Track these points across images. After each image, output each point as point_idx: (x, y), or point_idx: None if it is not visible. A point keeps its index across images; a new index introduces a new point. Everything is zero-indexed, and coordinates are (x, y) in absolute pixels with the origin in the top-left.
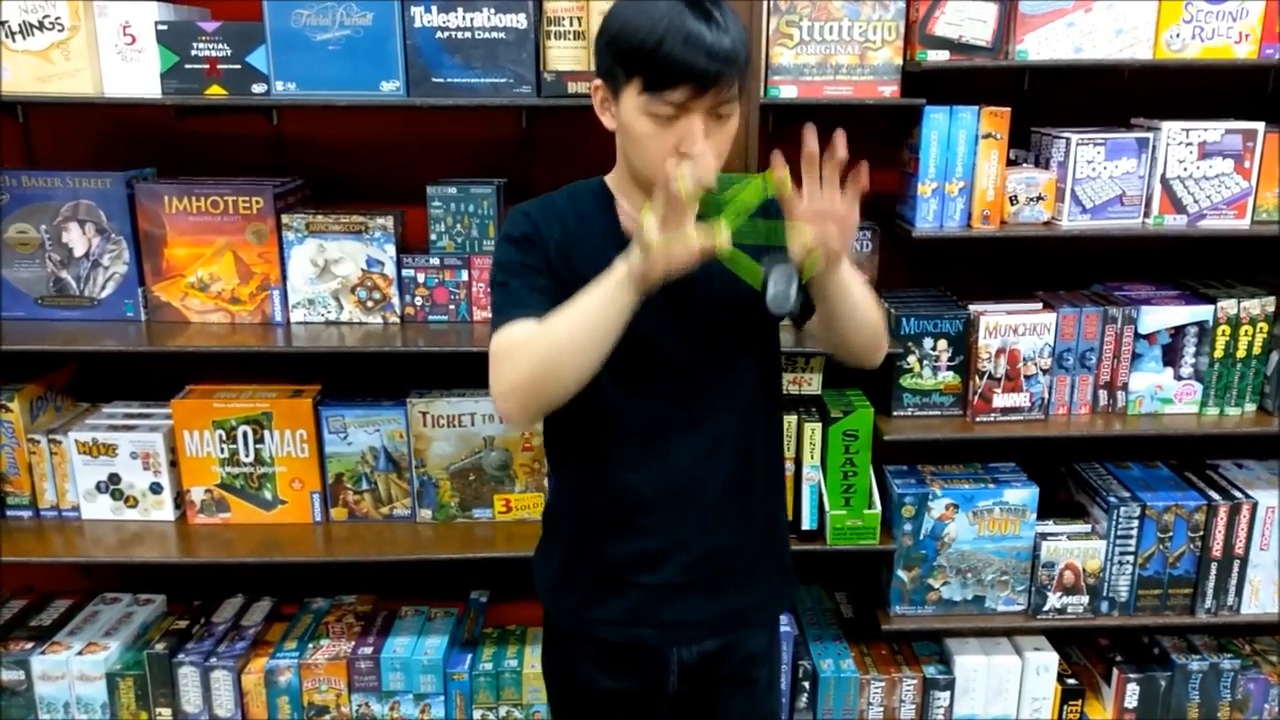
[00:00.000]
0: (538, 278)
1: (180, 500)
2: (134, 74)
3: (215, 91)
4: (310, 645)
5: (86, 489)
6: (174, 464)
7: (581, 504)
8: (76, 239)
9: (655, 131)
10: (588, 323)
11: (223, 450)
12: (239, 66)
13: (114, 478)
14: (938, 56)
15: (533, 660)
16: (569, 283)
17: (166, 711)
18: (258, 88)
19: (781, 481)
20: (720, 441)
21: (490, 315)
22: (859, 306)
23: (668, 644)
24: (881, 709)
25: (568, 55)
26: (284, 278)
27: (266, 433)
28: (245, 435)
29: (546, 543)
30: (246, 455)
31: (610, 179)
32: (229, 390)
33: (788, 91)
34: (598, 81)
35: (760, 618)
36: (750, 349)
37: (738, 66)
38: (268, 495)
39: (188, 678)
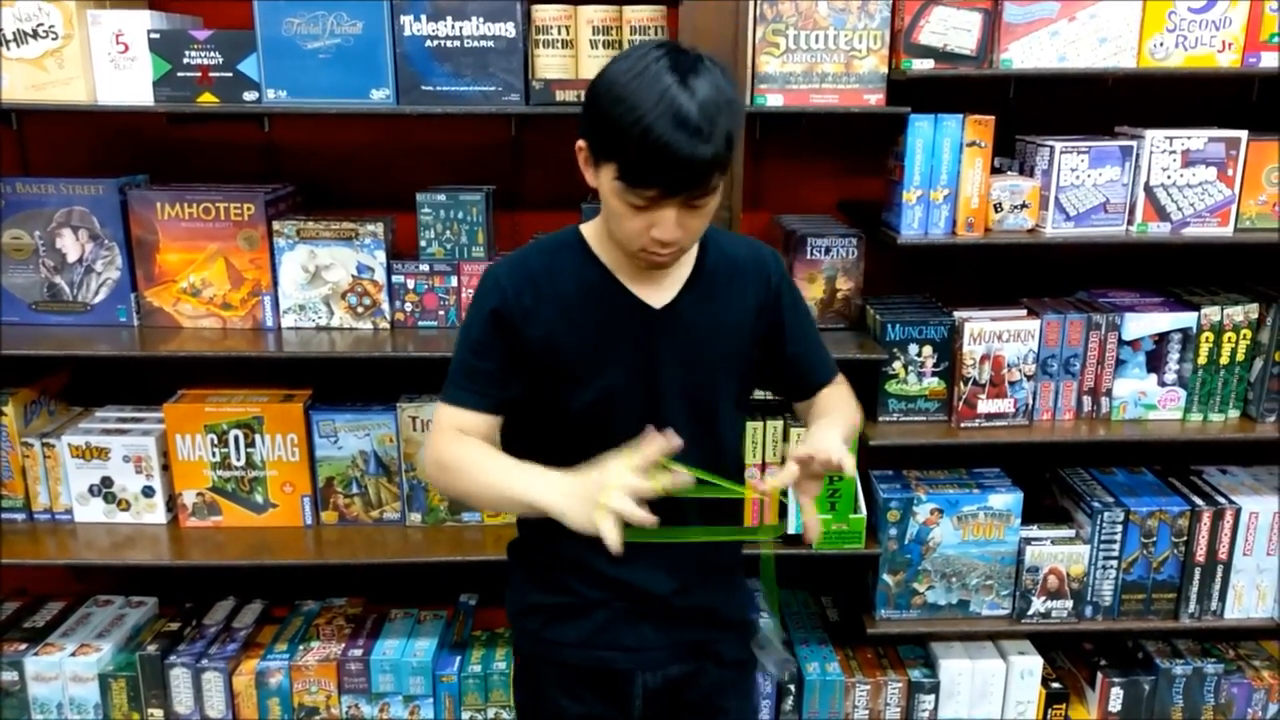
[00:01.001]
0: (487, 360)
1: (172, 503)
2: (127, 82)
3: (207, 99)
4: (301, 647)
5: (79, 492)
6: (166, 468)
7: (544, 537)
8: (70, 245)
9: (629, 213)
10: (489, 495)
11: (214, 454)
12: (230, 74)
13: (106, 481)
14: (923, 65)
15: None
16: (548, 341)
17: (159, 712)
18: (249, 95)
19: (740, 505)
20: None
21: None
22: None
23: (632, 667)
24: (866, 712)
25: (556, 64)
26: (275, 283)
27: (258, 437)
28: (237, 439)
29: (511, 571)
30: (238, 459)
31: (588, 229)
32: (220, 395)
33: (774, 100)
34: (582, 142)
35: (729, 643)
36: (727, 402)
37: (717, 171)
38: (259, 499)
39: (179, 679)
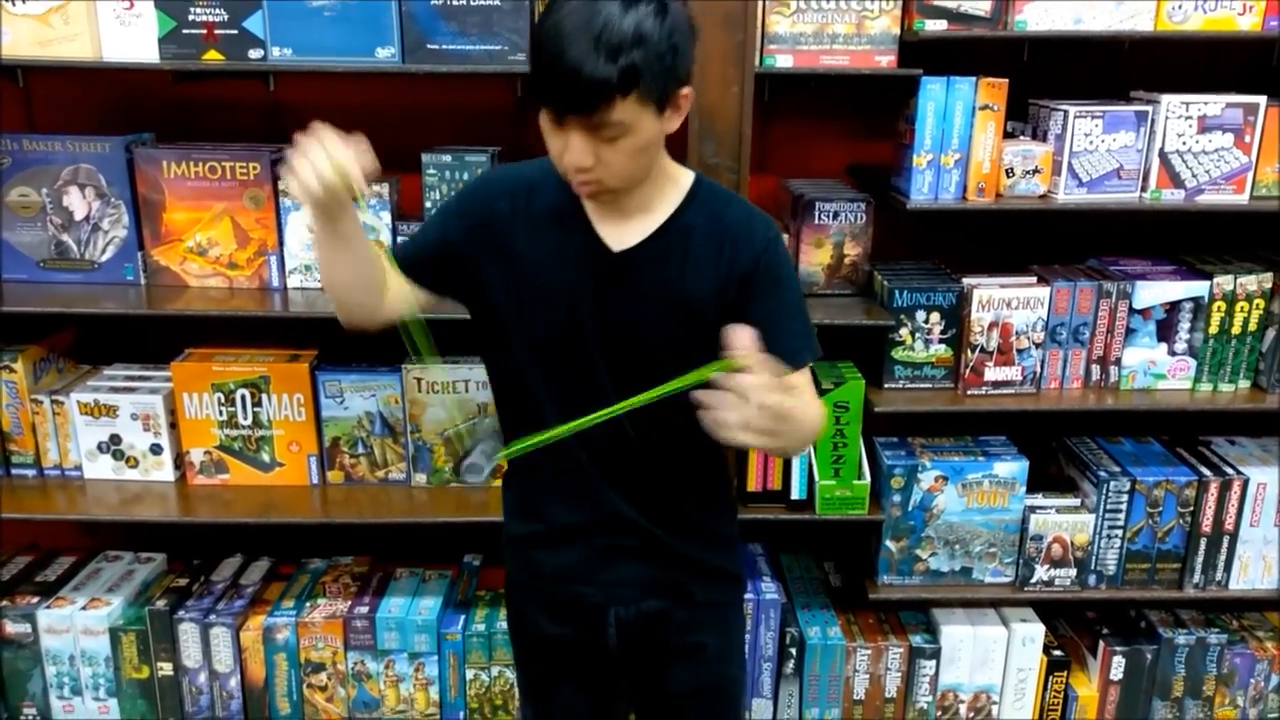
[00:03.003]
0: (435, 237)
1: (180, 461)
2: (132, 38)
3: (212, 56)
4: (307, 604)
5: (88, 449)
6: (173, 426)
7: (525, 469)
8: (77, 203)
9: (549, 131)
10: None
11: (221, 413)
12: (236, 31)
13: (115, 438)
14: (936, 26)
15: None
16: (508, 251)
17: (168, 665)
18: (254, 53)
19: (722, 452)
20: (657, 425)
21: None
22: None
23: (606, 602)
24: (867, 676)
25: None
26: (281, 243)
27: (264, 396)
28: (243, 398)
29: (505, 496)
30: (245, 418)
31: None
32: (227, 354)
33: (783, 61)
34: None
35: (701, 585)
36: (684, 354)
37: (615, 97)
38: (265, 458)
39: (188, 633)
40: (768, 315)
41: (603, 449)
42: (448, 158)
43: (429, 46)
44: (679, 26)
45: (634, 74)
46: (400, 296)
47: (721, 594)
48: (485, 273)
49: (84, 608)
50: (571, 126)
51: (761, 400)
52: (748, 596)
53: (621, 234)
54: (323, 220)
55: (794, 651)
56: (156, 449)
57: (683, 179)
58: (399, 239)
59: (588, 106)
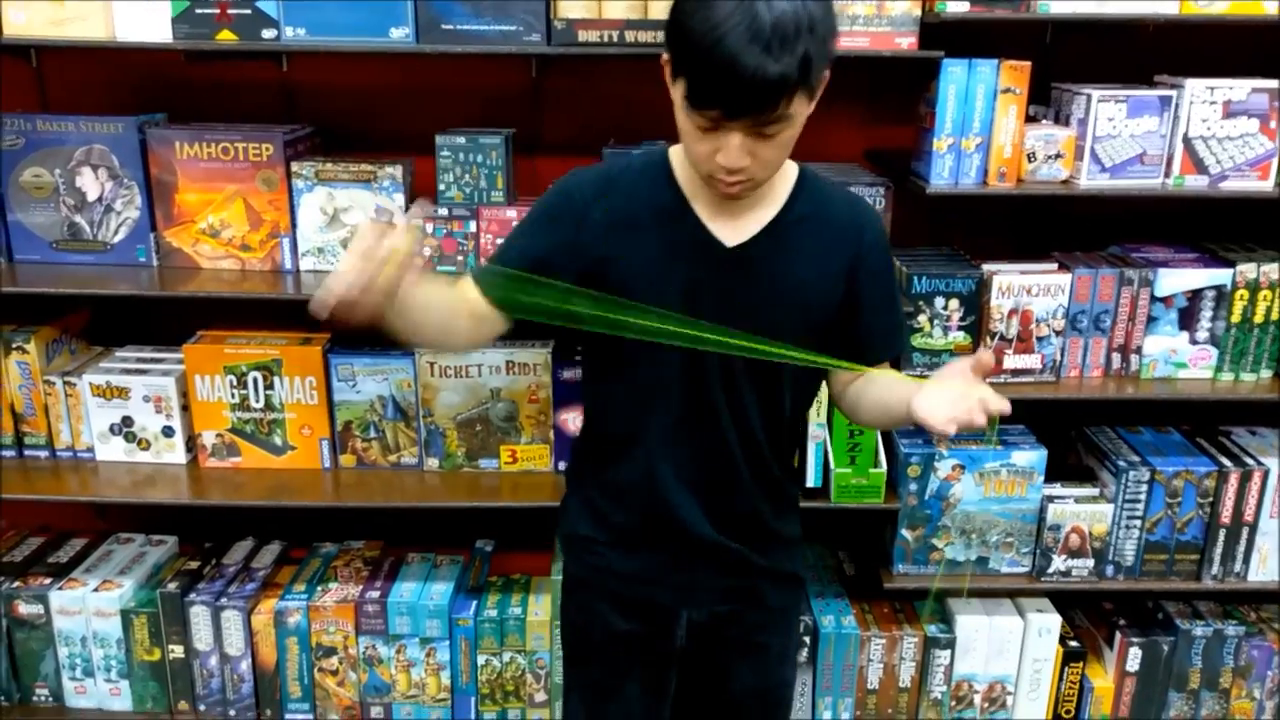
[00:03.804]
0: (523, 259)
1: (192, 444)
2: (145, 18)
3: (226, 36)
4: (319, 588)
5: (100, 431)
6: (185, 408)
7: (595, 464)
8: (89, 183)
9: (695, 133)
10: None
11: (233, 395)
12: (249, 11)
13: (127, 420)
14: (957, 7)
15: (536, 608)
16: (606, 259)
17: (179, 648)
18: (268, 33)
19: (794, 443)
20: (752, 429)
21: None
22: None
23: (677, 604)
24: (881, 665)
25: (579, 3)
26: (294, 225)
27: (276, 379)
28: (256, 381)
29: (566, 496)
30: (257, 401)
31: (676, 150)
32: (239, 336)
33: None
34: (665, 54)
35: (773, 590)
36: (807, 342)
37: (786, 94)
38: (278, 441)
39: (199, 616)
40: (876, 306)
41: (688, 463)
42: (462, 139)
43: (443, 26)
44: (832, 5)
45: (808, 65)
46: (490, 323)
47: (790, 598)
48: (590, 281)
49: (96, 590)
50: (735, 129)
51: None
52: None
53: (734, 229)
54: (390, 311)
55: (808, 640)
56: (168, 431)
57: (789, 168)
58: (479, 260)
59: (762, 106)
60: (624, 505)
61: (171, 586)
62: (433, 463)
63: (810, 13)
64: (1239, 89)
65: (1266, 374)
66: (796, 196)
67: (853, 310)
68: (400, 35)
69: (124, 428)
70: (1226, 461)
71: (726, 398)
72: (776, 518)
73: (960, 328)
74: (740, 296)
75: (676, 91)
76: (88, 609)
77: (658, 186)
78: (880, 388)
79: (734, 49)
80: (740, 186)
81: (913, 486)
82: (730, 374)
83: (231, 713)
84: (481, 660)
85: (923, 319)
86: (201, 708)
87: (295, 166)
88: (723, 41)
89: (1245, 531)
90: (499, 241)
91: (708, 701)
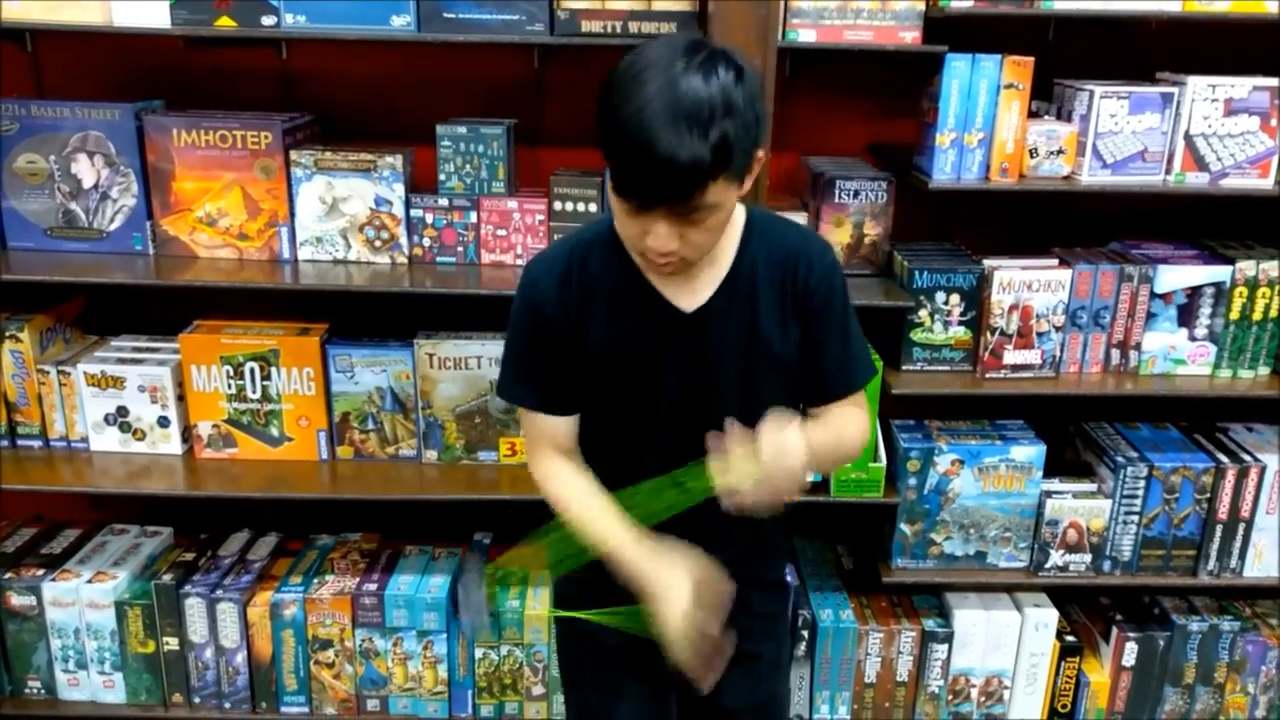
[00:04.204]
0: (533, 349)
1: (187, 434)
2: (143, 3)
3: (225, 23)
4: (315, 581)
5: (95, 420)
6: (181, 398)
7: None
8: (85, 170)
9: (625, 218)
10: (581, 529)
11: (230, 386)
12: None
13: (122, 410)
14: (961, 3)
15: (534, 601)
16: (579, 330)
17: (174, 640)
18: (267, 20)
19: None
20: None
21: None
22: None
23: None
24: (879, 660)
25: None
26: (292, 215)
27: (274, 370)
28: (252, 372)
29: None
30: (254, 392)
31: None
32: (236, 326)
33: (806, 35)
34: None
35: (758, 596)
36: (777, 392)
37: (706, 181)
38: (274, 432)
39: (194, 608)
40: (828, 340)
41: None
42: (463, 129)
43: (445, 15)
44: (757, 89)
45: (727, 149)
46: (572, 433)
47: (776, 605)
48: (581, 362)
49: (90, 581)
50: (658, 214)
51: (763, 490)
52: None
53: (689, 293)
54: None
55: (806, 634)
56: (164, 421)
57: (737, 215)
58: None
59: (682, 195)
60: None
61: (166, 578)
62: (431, 455)
63: (729, 95)
64: (1240, 87)
65: (1264, 371)
66: (744, 248)
67: (807, 346)
68: (401, 23)
69: (119, 418)
70: (1224, 458)
71: (699, 441)
72: (763, 533)
73: (961, 323)
74: (707, 359)
75: (609, 173)
76: (81, 600)
77: (609, 261)
78: (823, 421)
79: (652, 133)
80: (672, 267)
81: (912, 481)
82: (716, 425)
83: (226, 705)
84: (479, 653)
85: (924, 314)
86: (196, 700)
87: (294, 155)
88: (641, 124)
89: (1242, 527)
90: (499, 233)
91: (703, 716)
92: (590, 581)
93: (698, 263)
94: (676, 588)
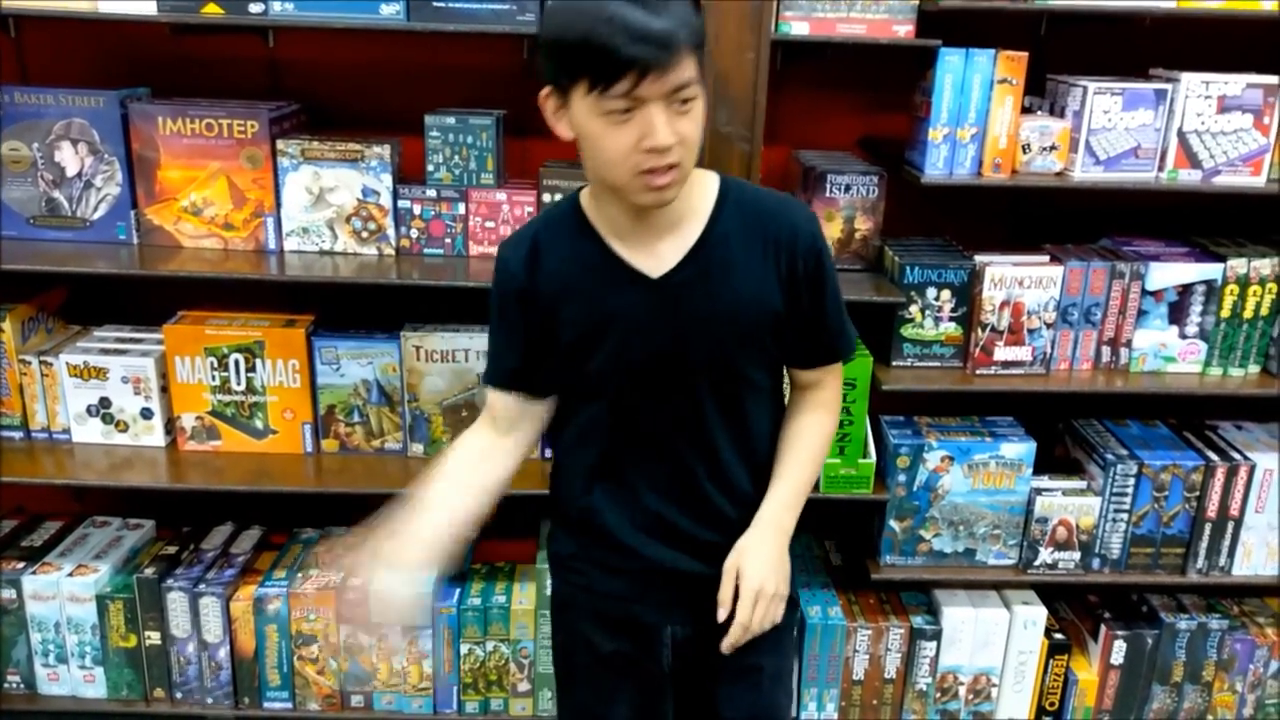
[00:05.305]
0: (502, 338)
1: (171, 426)
2: None
3: (211, 10)
4: (299, 575)
5: (77, 412)
6: (165, 390)
7: (573, 496)
8: (69, 158)
9: (613, 130)
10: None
11: (214, 378)
12: None
13: (105, 401)
14: None
15: (521, 597)
16: (554, 308)
17: (155, 634)
18: (255, 7)
19: (770, 460)
20: (723, 446)
21: None
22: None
23: (660, 622)
24: (867, 656)
25: None
26: (278, 205)
27: (258, 361)
28: (237, 363)
29: (552, 514)
30: (238, 383)
31: (585, 195)
32: (221, 317)
33: (799, 28)
34: (546, 90)
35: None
36: (757, 361)
37: (681, 47)
38: (259, 424)
39: (176, 602)
40: (815, 308)
41: (665, 478)
42: (452, 120)
43: (435, 4)
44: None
45: (689, 21)
46: (530, 418)
47: (783, 618)
48: (555, 340)
49: (70, 574)
50: (649, 99)
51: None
52: None
53: (657, 259)
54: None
55: (794, 632)
56: (147, 413)
57: (709, 184)
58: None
59: (667, 57)
60: (594, 534)
61: (149, 571)
62: (417, 448)
63: None
64: (1234, 84)
65: (1254, 369)
66: (719, 212)
67: (795, 314)
68: (390, 12)
69: (101, 409)
70: (1213, 456)
71: (692, 424)
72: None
73: (952, 318)
74: (678, 324)
75: (577, 103)
76: (62, 594)
77: (574, 235)
78: (784, 453)
79: (619, 15)
80: (671, 176)
81: (901, 478)
82: (694, 397)
83: (209, 700)
84: (464, 649)
85: (914, 309)
86: (178, 695)
87: (281, 144)
88: (604, 15)
89: (1231, 526)
90: (488, 225)
91: None
92: (587, 585)
93: (668, 220)
94: (373, 565)
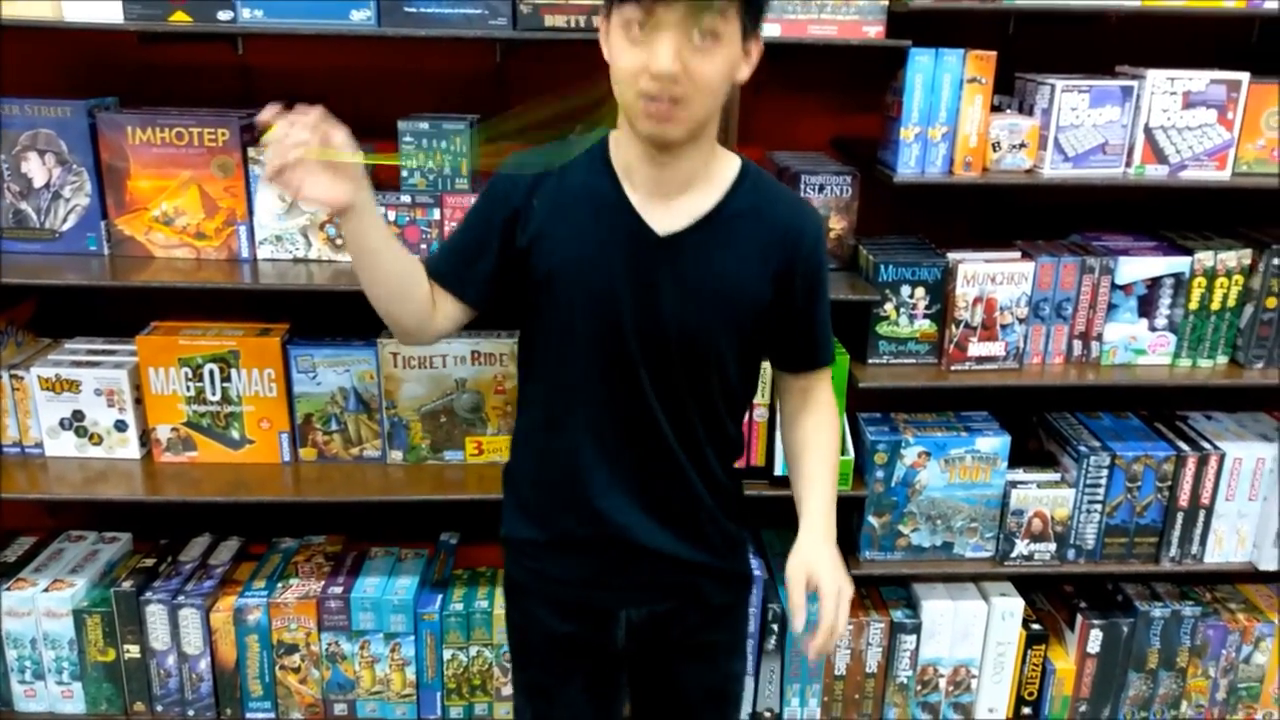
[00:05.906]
0: (479, 246)
1: (145, 438)
2: None
3: (179, 18)
4: (279, 585)
5: (50, 425)
6: (139, 401)
7: (532, 465)
8: (36, 169)
9: (627, 48)
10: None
11: (189, 388)
12: None
13: (78, 414)
14: None
15: (502, 602)
16: (540, 236)
17: (135, 648)
18: (223, 14)
19: (738, 441)
20: (689, 425)
21: None
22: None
23: (616, 605)
24: (848, 652)
25: None
26: (250, 213)
27: (234, 371)
28: (212, 374)
29: (507, 496)
30: (213, 394)
31: (614, 135)
32: (195, 328)
33: (770, 29)
34: (600, 16)
35: (715, 588)
36: (734, 346)
37: None
38: (235, 435)
39: (155, 615)
40: (807, 312)
41: (622, 460)
42: (425, 125)
43: (406, 9)
44: None
45: None
46: (449, 317)
47: (734, 595)
48: (525, 263)
49: (46, 590)
50: (662, 23)
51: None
52: None
53: (667, 217)
54: (349, 229)
55: (775, 628)
56: (121, 425)
57: (730, 162)
58: (434, 258)
59: None
60: (556, 506)
61: (126, 585)
62: (396, 455)
63: None
64: (1198, 80)
65: (1223, 360)
66: (737, 190)
67: (783, 313)
68: (361, 18)
69: (74, 422)
70: (1184, 446)
71: (659, 390)
72: (717, 515)
73: (926, 316)
74: (666, 286)
75: (614, 24)
76: (38, 610)
77: (594, 170)
78: (803, 458)
79: None
80: (672, 111)
81: (879, 473)
82: (664, 364)
83: (190, 713)
84: (447, 655)
85: (889, 307)
86: (159, 708)
87: (252, 152)
88: None
89: (1202, 515)
90: None
91: (659, 703)
92: (541, 571)
93: (685, 179)
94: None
